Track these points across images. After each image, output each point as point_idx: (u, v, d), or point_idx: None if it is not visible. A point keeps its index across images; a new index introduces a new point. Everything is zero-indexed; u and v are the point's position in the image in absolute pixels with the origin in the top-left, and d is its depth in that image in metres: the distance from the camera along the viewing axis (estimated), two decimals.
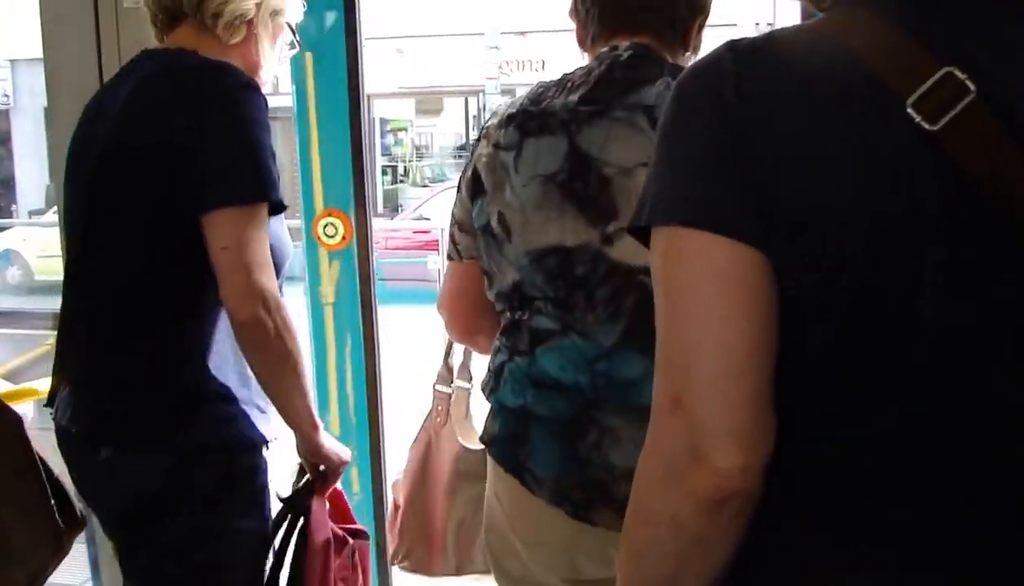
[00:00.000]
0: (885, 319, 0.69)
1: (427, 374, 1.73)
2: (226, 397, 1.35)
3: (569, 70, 1.32)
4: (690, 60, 1.36)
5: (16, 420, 1.45)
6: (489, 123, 1.35)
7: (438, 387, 1.68)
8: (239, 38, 1.42)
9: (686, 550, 0.72)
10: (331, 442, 1.45)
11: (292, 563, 1.46)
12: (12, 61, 13.54)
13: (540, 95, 1.30)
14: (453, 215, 1.41)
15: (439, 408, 1.66)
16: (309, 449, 1.43)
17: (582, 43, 1.38)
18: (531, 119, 1.27)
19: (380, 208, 14.98)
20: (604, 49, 1.30)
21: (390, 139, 17.38)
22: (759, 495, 0.70)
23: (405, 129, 17.82)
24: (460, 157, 18.22)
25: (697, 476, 0.69)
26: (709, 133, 0.73)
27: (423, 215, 10.58)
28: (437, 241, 4.42)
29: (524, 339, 1.28)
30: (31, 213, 12.41)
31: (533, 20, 15.34)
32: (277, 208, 1.31)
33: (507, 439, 1.29)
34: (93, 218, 1.38)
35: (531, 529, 1.30)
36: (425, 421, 1.68)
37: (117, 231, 1.35)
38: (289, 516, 1.47)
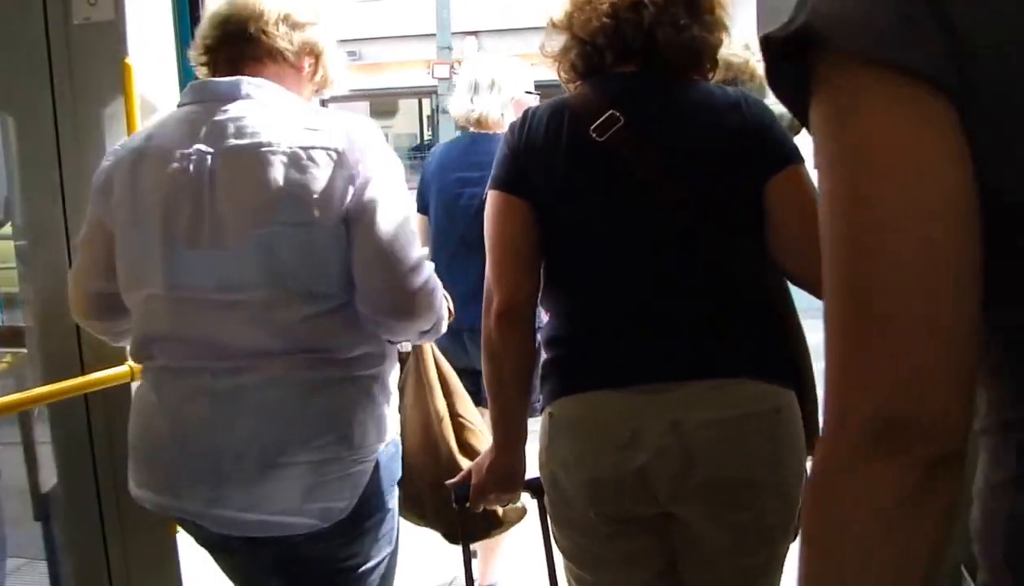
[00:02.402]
0: (575, 230, 1.44)
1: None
2: None
3: None
4: None
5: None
6: None
7: None
8: None
9: (498, 349, 1.48)
10: None
11: None
12: None
13: None
14: None
15: None
16: None
17: None
18: None
19: None
20: None
21: None
22: (529, 319, 1.49)
23: None
24: (416, 158, 18.15)
25: (493, 308, 1.47)
26: (510, 144, 1.49)
27: None
28: None
29: None
30: None
31: (484, 20, 15.46)
32: None
33: None
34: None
35: None
36: None
37: None
38: None
